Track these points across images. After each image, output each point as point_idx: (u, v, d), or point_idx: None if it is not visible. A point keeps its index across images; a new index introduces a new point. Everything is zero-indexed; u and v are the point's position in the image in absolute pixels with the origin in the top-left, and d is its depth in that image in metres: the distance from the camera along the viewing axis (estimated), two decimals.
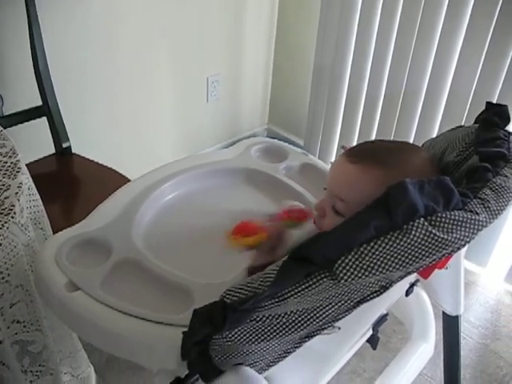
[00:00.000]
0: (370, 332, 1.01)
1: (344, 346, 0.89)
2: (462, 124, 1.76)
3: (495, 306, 1.81)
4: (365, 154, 0.72)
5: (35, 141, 1.55)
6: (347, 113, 2.17)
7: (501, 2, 1.56)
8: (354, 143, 2.20)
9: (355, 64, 2.05)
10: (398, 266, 0.55)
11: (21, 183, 0.88)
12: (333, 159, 2.33)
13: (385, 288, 0.63)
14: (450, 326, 1.14)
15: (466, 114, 1.77)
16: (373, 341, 1.04)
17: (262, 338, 0.65)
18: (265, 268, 0.67)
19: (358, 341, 0.99)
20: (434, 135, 1.86)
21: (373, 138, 2.11)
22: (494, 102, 1.64)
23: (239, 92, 2.42)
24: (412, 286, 0.93)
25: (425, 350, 1.13)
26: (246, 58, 2.35)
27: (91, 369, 1.26)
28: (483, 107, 0.79)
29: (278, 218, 0.81)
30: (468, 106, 1.76)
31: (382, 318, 0.99)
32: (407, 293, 0.94)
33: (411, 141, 1.96)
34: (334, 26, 2.04)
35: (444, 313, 1.11)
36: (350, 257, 0.54)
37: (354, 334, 0.90)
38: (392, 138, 2.03)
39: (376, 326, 0.99)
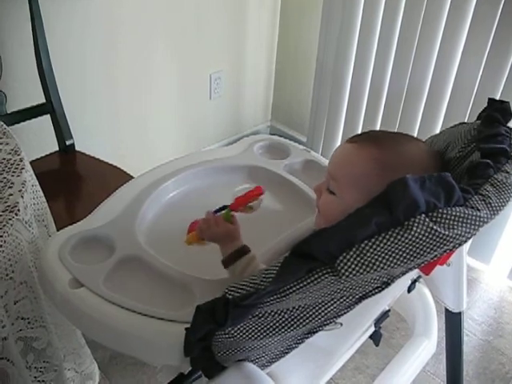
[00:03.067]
0: (373, 328, 1.02)
1: (346, 342, 0.89)
2: (465, 120, 1.77)
3: (498, 303, 1.81)
4: (363, 136, 0.76)
5: (39, 138, 1.56)
6: (350, 109, 2.17)
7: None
8: None
9: (358, 60, 2.04)
10: (399, 262, 0.55)
11: (25, 181, 0.89)
12: None
13: (386, 284, 0.63)
14: (453, 322, 1.14)
15: (469, 111, 1.77)
16: (375, 337, 1.04)
17: (265, 334, 0.66)
18: (237, 253, 0.75)
19: (360, 337, 0.99)
20: (437, 132, 1.87)
21: None
22: (497, 98, 1.65)
23: (242, 89, 2.42)
24: (414, 282, 0.94)
25: (427, 346, 1.13)
26: (249, 55, 2.35)
27: (95, 365, 1.26)
28: (486, 103, 0.79)
29: (237, 205, 0.83)
30: (471, 103, 1.75)
31: (384, 315, 0.99)
32: (409, 289, 0.94)
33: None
34: (337, 22, 2.04)
35: (446, 309, 1.11)
36: (351, 253, 0.55)
37: (356, 330, 0.90)
38: None
39: (378, 322, 1.00)
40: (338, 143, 2.30)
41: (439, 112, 1.87)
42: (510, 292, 1.86)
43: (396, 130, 2.02)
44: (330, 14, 2.05)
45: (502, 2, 1.56)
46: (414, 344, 1.13)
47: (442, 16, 1.73)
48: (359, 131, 2.17)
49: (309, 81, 2.31)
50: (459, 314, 1.11)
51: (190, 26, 2.01)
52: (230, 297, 0.63)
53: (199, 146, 2.33)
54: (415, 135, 1.95)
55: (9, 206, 0.83)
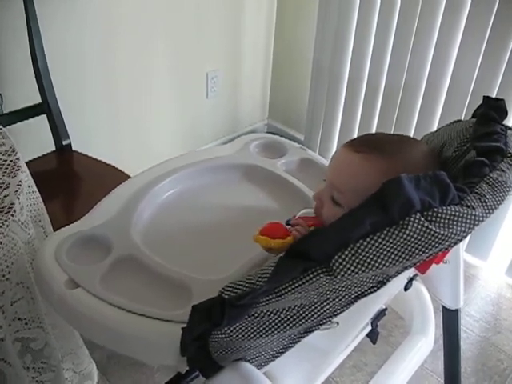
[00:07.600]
0: (370, 327, 1.02)
1: (343, 340, 0.89)
2: (463, 116, 1.77)
3: (496, 300, 1.82)
4: (367, 144, 0.72)
5: (35, 138, 1.56)
6: (347, 107, 2.17)
7: None
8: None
9: (354, 58, 2.04)
10: (394, 262, 0.55)
11: (20, 181, 0.89)
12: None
13: (382, 283, 0.63)
14: (450, 319, 1.14)
15: (466, 107, 1.77)
16: (372, 336, 1.04)
17: (261, 333, 0.66)
18: None
19: (357, 336, 0.99)
20: (435, 129, 1.87)
21: (373, 131, 2.11)
22: (494, 93, 1.65)
23: (239, 87, 2.42)
24: (411, 280, 0.93)
25: (424, 344, 1.13)
26: (246, 54, 2.35)
27: (93, 365, 1.26)
28: (482, 100, 0.78)
29: (295, 224, 0.78)
30: (468, 99, 1.76)
31: (381, 313, 0.99)
32: (406, 287, 0.94)
33: (411, 135, 1.96)
34: (333, 20, 2.04)
35: (444, 307, 1.11)
36: (346, 252, 0.55)
37: (353, 328, 0.90)
38: (392, 132, 2.03)
39: (375, 320, 1.00)
40: (336, 141, 2.29)
41: (436, 108, 1.87)
42: (508, 288, 1.87)
43: (393, 127, 2.02)
44: (327, 13, 2.05)
45: None
46: (412, 342, 1.14)
47: (437, 14, 1.73)
48: (356, 129, 2.17)
49: (306, 79, 2.31)
50: (456, 311, 1.11)
51: (187, 24, 2.01)
52: (226, 296, 0.63)
53: (196, 144, 2.33)
54: (412, 132, 1.96)
55: (4, 206, 0.83)
